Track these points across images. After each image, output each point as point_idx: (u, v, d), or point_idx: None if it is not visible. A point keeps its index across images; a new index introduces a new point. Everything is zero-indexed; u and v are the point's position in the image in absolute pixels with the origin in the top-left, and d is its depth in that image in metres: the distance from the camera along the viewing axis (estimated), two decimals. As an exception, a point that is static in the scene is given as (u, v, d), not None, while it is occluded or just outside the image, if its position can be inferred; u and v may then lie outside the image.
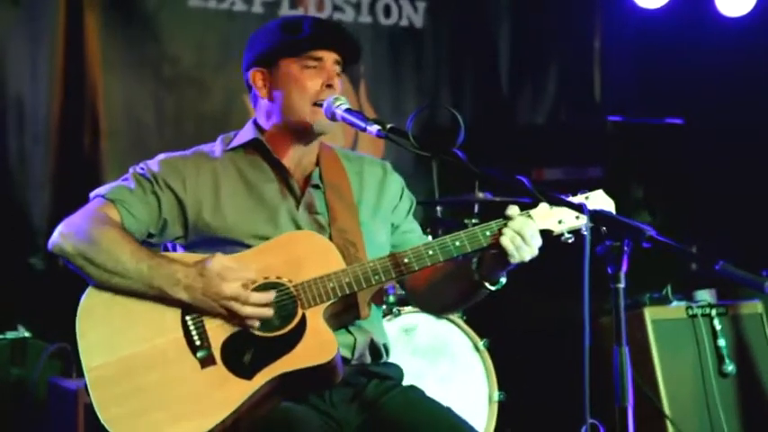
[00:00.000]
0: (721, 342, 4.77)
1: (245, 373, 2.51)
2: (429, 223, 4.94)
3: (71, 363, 4.21)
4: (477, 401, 4.40)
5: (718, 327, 4.79)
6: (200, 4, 5.38)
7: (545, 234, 2.61)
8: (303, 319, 2.56)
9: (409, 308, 4.30)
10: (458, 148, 2.45)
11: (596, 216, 2.21)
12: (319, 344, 2.54)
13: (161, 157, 2.81)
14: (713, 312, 4.83)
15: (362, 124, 2.61)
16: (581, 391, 2.14)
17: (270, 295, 2.55)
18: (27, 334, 4.44)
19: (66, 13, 5.00)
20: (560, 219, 2.61)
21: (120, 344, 2.54)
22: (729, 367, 4.75)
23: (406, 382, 2.86)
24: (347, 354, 2.70)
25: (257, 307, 2.53)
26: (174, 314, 2.56)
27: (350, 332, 2.72)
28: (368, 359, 2.77)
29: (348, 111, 2.67)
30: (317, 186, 2.82)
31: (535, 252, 2.58)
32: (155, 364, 2.53)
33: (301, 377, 2.53)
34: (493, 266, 2.62)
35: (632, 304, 4.72)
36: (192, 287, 2.53)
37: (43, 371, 4.24)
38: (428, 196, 5.51)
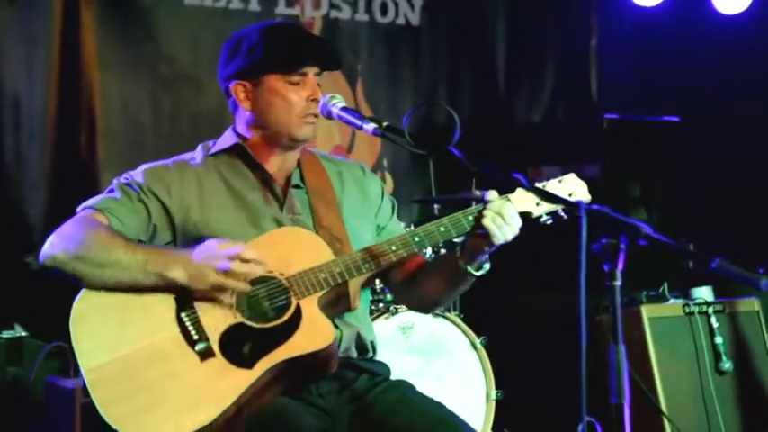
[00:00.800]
0: (718, 339, 4.78)
1: (246, 362, 2.54)
2: (426, 221, 4.93)
3: (68, 362, 4.20)
4: (475, 399, 4.41)
5: (714, 324, 4.79)
6: (197, 2, 5.38)
7: (524, 217, 2.65)
8: (298, 308, 2.59)
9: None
10: (454, 146, 2.46)
11: (592, 214, 2.21)
12: (316, 330, 2.58)
13: (144, 167, 2.83)
14: (710, 310, 4.83)
15: (358, 122, 2.63)
16: (578, 388, 2.14)
17: (260, 254, 2.55)
18: (24, 333, 4.45)
19: (62, 12, 5.00)
20: (538, 201, 2.66)
21: (117, 344, 2.55)
22: (726, 365, 4.76)
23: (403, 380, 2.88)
24: None
25: (253, 264, 2.53)
26: (168, 312, 2.58)
27: (336, 326, 2.73)
28: (353, 353, 2.80)
29: (344, 109, 2.71)
30: (298, 187, 2.85)
31: (516, 232, 2.62)
32: (154, 360, 2.54)
33: (302, 364, 2.56)
34: (475, 250, 2.65)
35: (629, 302, 4.72)
36: (189, 262, 2.55)
37: (40, 370, 4.24)
38: (425, 194, 5.52)
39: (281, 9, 5.60)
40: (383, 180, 5.14)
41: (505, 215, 2.59)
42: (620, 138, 5.71)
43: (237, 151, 2.84)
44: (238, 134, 2.87)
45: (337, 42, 5.71)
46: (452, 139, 2.48)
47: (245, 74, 2.79)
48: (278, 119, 2.77)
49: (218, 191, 2.80)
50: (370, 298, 4.01)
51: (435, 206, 5.13)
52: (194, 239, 2.73)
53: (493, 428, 4.45)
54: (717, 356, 4.77)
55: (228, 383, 2.51)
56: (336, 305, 2.69)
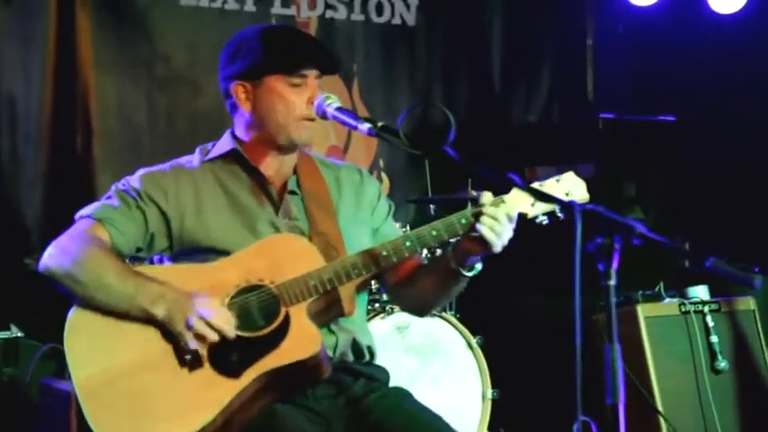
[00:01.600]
0: (714, 338, 4.78)
1: (233, 372, 2.53)
2: (422, 221, 4.93)
3: (64, 363, 4.19)
4: (471, 399, 4.41)
5: (710, 323, 4.80)
6: (192, 2, 5.37)
7: (520, 217, 2.63)
8: (287, 317, 2.59)
9: (402, 306, 4.31)
10: (449, 146, 2.46)
11: (587, 213, 2.21)
12: (304, 339, 2.56)
13: (141, 172, 2.83)
14: (706, 309, 4.83)
15: (353, 122, 2.63)
16: (573, 388, 2.14)
17: (231, 329, 2.55)
18: (20, 334, 4.44)
19: (57, 13, 4.99)
20: (533, 201, 2.63)
21: (108, 354, 2.57)
22: (722, 364, 4.76)
23: (399, 381, 2.88)
24: (329, 353, 2.71)
25: (210, 329, 2.53)
26: (158, 324, 2.58)
27: (332, 332, 2.74)
28: (350, 358, 2.79)
29: (339, 109, 2.70)
30: (294, 193, 2.85)
31: (511, 234, 2.59)
32: (143, 370, 2.55)
33: (289, 373, 2.55)
34: (468, 252, 2.63)
35: (625, 301, 4.73)
36: (173, 305, 2.55)
37: (36, 371, 4.23)
38: (421, 194, 5.51)
39: (277, 9, 5.60)
40: (379, 180, 5.14)
41: (502, 220, 2.57)
42: (616, 137, 5.71)
43: (235, 156, 2.84)
44: (236, 138, 2.86)
45: (333, 43, 5.71)
46: (448, 140, 2.48)
47: (246, 74, 2.78)
48: (277, 120, 2.76)
49: (215, 195, 2.80)
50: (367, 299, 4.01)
51: (431, 206, 5.13)
52: (189, 250, 2.74)
53: (489, 428, 4.46)
54: (713, 356, 4.77)
55: (215, 393, 2.51)
56: (328, 312, 2.68)
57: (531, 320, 5.40)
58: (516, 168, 2.53)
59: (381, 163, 5.86)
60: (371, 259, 2.64)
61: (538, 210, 2.64)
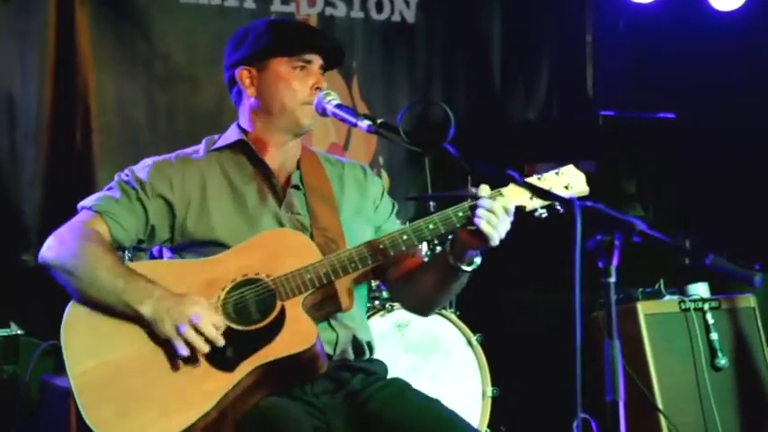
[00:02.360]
0: (714, 336, 4.78)
1: (228, 366, 2.54)
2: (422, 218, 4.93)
3: (63, 360, 4.19)
4: (471, 397, 4.41)
5: (710, 321, 4.79)
6: (191, -1, 5.38)
7: (518, 210, 2.61)
8: (282, 310, 2.59)
9: (402, 303, 4.31)
10: (449, 142, 2.45)
11: (587, 210, 2.21)
12: (298, 332, 2.56)
13: (146, 161, 2.83)
14: (706, 306, 4.83)
15: (353, 119, 2.63)
16: (573, 385, 2.14)
17: (219, 337, 2.54)
18: (19, 331, 4.44)
19: (56, 10, 4.99)
20: (531, 195, 2.61)
21: (103, 350, 2.57)
22: (722, 361, 4.76)
23: (399, 378, 2.87)
24: (329, 350, 2.72)
25: (200, 338, 2.52)
26: (146, 321, 2.58)
27: (332, 328, 2.74)
28: (350, 355, 2.79)
29: (339, 106, 2.71)
30: (297, 187, 2.85)
31: (508, 227, 2.57)
32: (138, 366, 2.55)
33: (284, 367, 2.55)
34: (466, 246, 2.62)
35: (625, 298, 4.72)
36: (160, 301, 2.55)
37: (35, 368, 4.23)
38: (421, 191, 5.51)
39: (277, 6, 5.59)
40: (379, 177, 5.14)
41: (499, 213, 2.55)
42: (615, 134, 5.70)
43: (241, 147, 2.85)
44: (242, 128, 2.87)
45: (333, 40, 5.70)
46: (447, 136, 2.48)
47: (250, 59, 2.81)
48: (283, 103, 2.78)
49: (220, 185, 2.81)
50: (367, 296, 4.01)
51: (431, 203, 5.13)
52: (190, 242, 2.75)
53: (489, 425, 4.46)
54: (713, 353, 4.77)
55: (209, 387, 2.52)
56: (325, 306, 2.68)
57: (531, 318, 5.40)
58: (516, 165, 2.53)
59: (381, 160, 5.85)
60: (368, 252, 2.64)
61: (537, 203, 2.62)
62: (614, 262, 2.13)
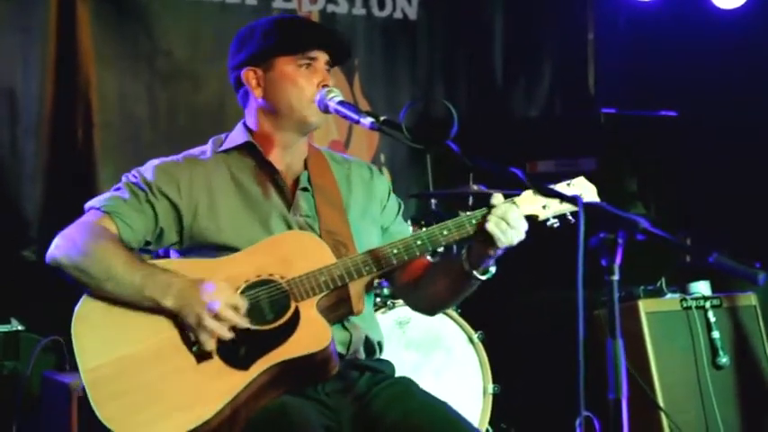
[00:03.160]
0: (715, 334, 4.77)
1: (242, 364, 2.53)
2: (424, 216, 4.94)
3: (64, 356, 4.20)
4: (472, 394, 4.41)
5: (712, 319, 4.79)
6: (193, -5, 5.37)
7: (531, 220, 2.63)
8: (296, 311, 2.59)
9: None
10: (451, 140, 2.45)
11: (590, 208, 2.20)
12: (313, 333, 2.57)
13: (153, 163, 2.82)
14: (707, 304, 4.83)
15: (355, 116, 2.63)
16: (575, 383, 2.14)
17: (243, 320, 2.54)
18: (20, 327, 4.43)
19: (57, 6, 4.97)
20: (545, 204, 2.65)
21: (116, 345, 2.56)
22: (724, 359, 4.75)
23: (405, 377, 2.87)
24: (342, 350, 2.72)
25: (221, 325, 2.53)
26: (168, 314, 2.58)
27: (345, 328, 2.74)
28: (362, 355, 2.79)
29: (341, 103, 2.71)
30: (305, 189, 2.84)
31: (522, 236, 2.60)
32: (151, 361, 2.54)
33: (298, 367, 2.55)
34: (481, 255, 2.63)
35: (626, 296, 4.72)
36: (183, 295, 2.54)
37: (36, 364, 4.23)
38: (423, 189, 5.51)
39: (279, 3, 5.58)
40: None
41: (510, 219, 2.57)
42: (617, 132, 5.70)
43: (248, 148, 2.84)
44: (249, 129, 2.86)
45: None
46: (450, 134, 2.47)
47: (256, 59, 2.80)
48: (290, 102, 2.76)
49: (227, 187, 2.79)
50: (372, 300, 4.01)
51: (433, 201, 5.13)
52: (199, 244, 2.74)
53: (490, 423, 4.45)
54: (714, 351, 4.77)
55: (223, 385, 2.51)
56: (337, 308, 2.68)
57: (533, 315, 5.39)
58: (517, 163, 2.53)
59: (383, 158, 5.85)
60: (383, 258, 2.65)
61: (549, 212, 2.65)
62: (617, 260, 2.12)
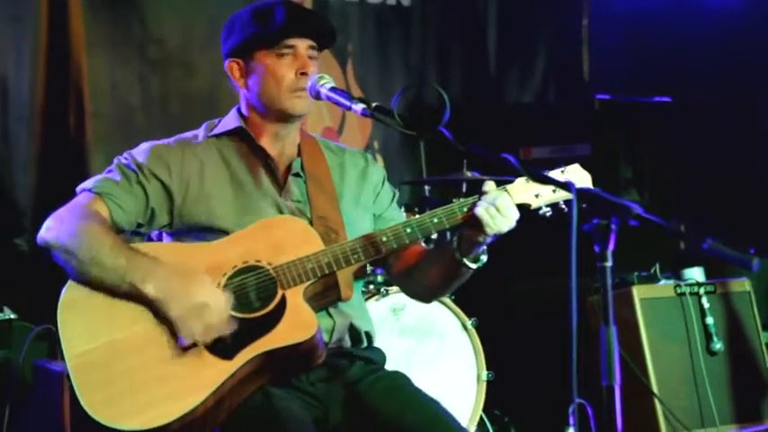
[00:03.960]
0: (709, 320, 4.78)
1: (226, 353, 2.52)
2: (417, 203, 4.93)
3: (56, 345, 4.18)
4: (466, 381, 4.41)
5: (706, 305, 4.79)
6: (186, -18, 5.34)
7: (523, 208, 2.62)
8: (283, 299, 2.57)
9: (397, 287, 4.29)
10: (443, 126, 2.43)
11: (583, 194, 2.19)
12: (299, 322, 2.55)
13: (145, 145, 2.81)
14: (701, 290, 4.83)
15: (347, 103, 2.62)
16: (569, 370, 2.13)
17: (226, 325, 2.53)
18: (12, 315, 4.41)
19: (49, -7, 4.94)
20: (537, 193, 2.64)
21: (101, 331, 2.55)
22: (717, 345, 4.76)
23: (394, 363, 2.88)
24: (325, 337, 2.70)
25: (208, 330, 2.51)
26: (150, 301, 2.56)
27: (330, 315, 2.72)
28: (347, 343, 2.77)
29: (333, 89, 2.69)
30: (298, 175, 2.84)
31: (512, 224, 2.59)
32: (136, 349, 2.53)
33: (283, 356, 2.54)
34: (471, 242, 2.62)
35: (620, 283, 4.72)
36: (164, 282, 2.53)
37: (28, 353, 4.21)
38: (416, 176, 5.50)
39: (271, -11, 5.55)
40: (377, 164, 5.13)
41: (500, 206, 2.55)
42: (611, 118, 5.69)
43: (240, 134, 2.83)
44: (242, 114, 2.86)
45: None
46: (442, 120, 2.46)
47: (237, 51, 2.81)
48: (269, 94, 2.76)
49: (219, 171, 2.79)
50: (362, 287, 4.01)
51: (426, 187, 5.11)
52: (189, 227, 2.73)
53: (484, 410, 4.45)
54: (708, 337, 4.77)
55: (208, 374, 2.50)
56: (325, 296, 2.67)
57: (527, 302, 5.39)
58: (512, 149, 2.52)
59: (376, 144, 5.84)
60: (371, 245, 2.63)
61: (541, 201, 2.64)
62: (611, 246, 2.11)
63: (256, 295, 2.59)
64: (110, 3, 5.12)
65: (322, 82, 2.70)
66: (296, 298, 2.57)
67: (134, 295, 2.54)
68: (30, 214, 4.82)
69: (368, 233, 2.68)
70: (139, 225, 2.75)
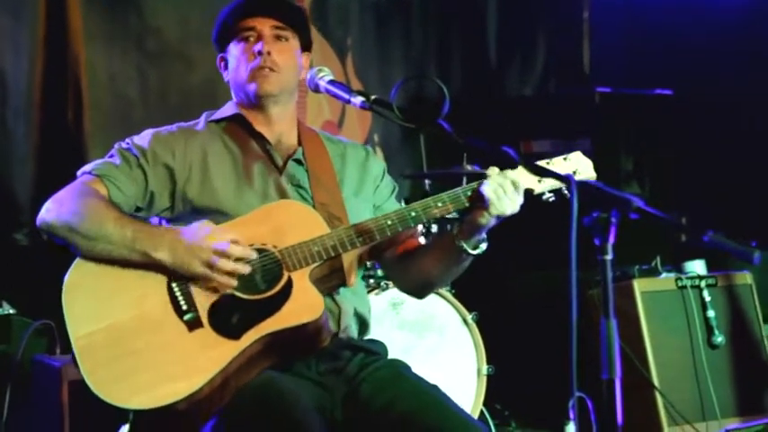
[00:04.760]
0: (710, 313, 4.77)
1: (233, 333, 2.52)
2: (418, 196, 4.92)
3: (55, 340, 4.18)
4: (466, 375, 4.40)
5: (707, 298, 4.79)
6: (183, -25, 5.32)
7: (526, 193, 2.62)
8: (289, 281, 2.58)
9: (397, 281, 4.28)
10: (443, 119, 2.42)
11: (583, 187, 2.18)
12: (306, 303, 2.55)
13: (147, 131, 2.82)
14: (702, 284, 4.82)
15: (346, 96, 2.61)
16: (569, 364, 2.12)
17: (248, 251, 2.55)
18: (12, 310, 4.41)
19: (47, -15, 4.93)
20: (539, 178, 2.62)
21: (107, 312, 2.54)
22: (719, 338, 4.75)
23: (394, 357, 2.85)
24: (333, 324, 2.70)
25: (233, 271, 2.52)
26: (159, 281, 2.57)
27: (335, 302, 2.71)
28: (354, 332, 2.77)
29: (332, 82, 2.68)
30: (299, 162, 2.84)
31: (515, 207, 2.58)
32: (142, 329, 2.53)
33: (289, 337, 2.54)
34: (473, 225, 2.61)
35: (621, 276, 4.71)
36: (176, 245, 2.53)
37: (27, 348, 4.21)
38: (416, 169, 5.49)
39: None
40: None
41: (506, 187, 2.55)
42: (611, 111, 5.68)
43: (239, 120, 2.86)
44: (237, 104, 2.90)
45: (326, 17, 5.66)
46: (442, 112, 2.45)
47: (217, 47, 2.90)
48: (237, 80, 2.83)
49: (221, 155, 2.80)
50: (362, 274, 4.00)
51: (426, 181, 5.10)
52: (190, 211, 2.72)
53: (484, 404, 4.44)
54: (709, 330, 4.77)
55: (214, 354, 2.50)
56: (330, 279, 2.67)
57: (527, 296, 5.39)
58: (512, 142, 2.50)
59: (376, 138, 5.82)
60: (377, 228, 2.63)
61: (544, 186, 2.64)
62: (611, 239, 2.10)
63: (262, 277, 2.58)
64: (108, -5, 5.11)
65: (321, 75, 2.69)
66: (302, 280, 2.58)
67: (147, 264, 2.54)
68: (28, 208, 4.80)
69: (374, 218, 2.67)
70: (138, 209, 2.74)
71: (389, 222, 2.63)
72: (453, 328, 4.43)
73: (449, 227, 4.50)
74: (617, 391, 2.09)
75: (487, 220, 2.58)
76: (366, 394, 2.64)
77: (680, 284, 4.78)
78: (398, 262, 2.86)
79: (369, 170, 2.95)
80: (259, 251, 2.60)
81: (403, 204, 2.81)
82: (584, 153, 2.80)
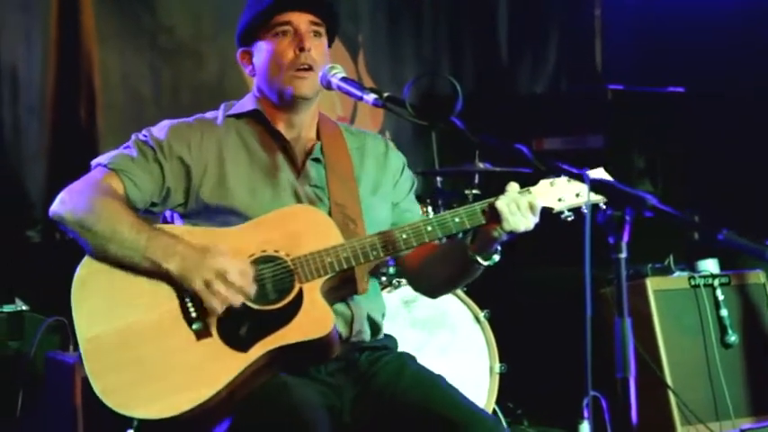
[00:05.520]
0: (724, 312, 4.75)
1: (241, 345, 2.49)
2: (429, 194, 4.91)
3: (68, 336, 4.19)
4: (478, 373, 4.39)
5: (720, 297, 4.77)
6: (195, -27, 5.32)
7: (544, 211, 2.60)
8: (300, 293, 2.54)
9: (409, 279, 4.28)
10: (456, 116, 2.41)
11: (597, 185, 2.17)
12: (315, 318, 2.52)
13: (165, 123, 2.78)
14: (716, 282, 4.80)
15: (359, 93, 2.57)
16: (583, 363, 2.11)
17: (249, 285, 2.49)
18: (25, 307, 4.42)
19: (59, -17, 4.93)
20: (560, 197, 2.61)
21: (116, 315, 2.51)
22: (732, 337, 4.73)
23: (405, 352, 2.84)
24: (344, 329, 2.68)
25: (234, 293, 2.48)
26: (170, 286, 2.53)
27: (348, 306, 2.70)
28: (366, 335, 2.75)
29: (344, 79, 2.65)
30: (317, 160, 2.80)
31: (530, 225, 2.56)
32: (150, 335, 2.50)
33: (297, 351, 2.50)
34: (486, 238, 2.60)
35: (634, 274, 4.69)
36: (185, 258, 2.49)
37: (40, 344, 4.22)
38: (428, 166, 5.48)
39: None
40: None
41: (521, 203, 2.54)
42: (624, 109, 5.66)
43: (257, 117, 2.80)
44: (257, 99, 2.83)
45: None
46: (454, 110, 2.44)
47: (243, 39, 2.80)
48: (271, 77, 2.74)
49: (237, 153, 2.75)
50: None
51: (438, 178, 5.10)
52: (204, 207, 2.68)
53: (497, 402, 4.44)
54: (722, 329, 4.75)
55: (222, 366, 2.47)
56: (342, 290, 2.65)
57: (540, 294, 5.37)
58: (524, 140, 2.49)
59: (388, 134, 5.80)
60: (391, 242, 2.60)
61: (563, 205, 2.61)
62: (625, 237, 2.09)
63: (273, 287, 2.55)
64: (120, -7, 5.11)
65: (333, 72, 2.65)
66: (313, 293, 2.54)
67: (154, 272, 2.50)
68: (41, 206, 4.81)
69: (388, 230, 2.63)
70: (153, 204, 2.70)
71: (405, 236, 2.60)
72: (465, 326, 4.42)
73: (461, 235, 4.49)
74: (631, 390, 2.08)
75: (500, 234, 2.57)
76: (376, 388, 2.63)
77: (693, 283, 4.76)
78: (414, 268, 2.84)
79: (388, 165, 2.91)
80: (272, 259, 2.57)
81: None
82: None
